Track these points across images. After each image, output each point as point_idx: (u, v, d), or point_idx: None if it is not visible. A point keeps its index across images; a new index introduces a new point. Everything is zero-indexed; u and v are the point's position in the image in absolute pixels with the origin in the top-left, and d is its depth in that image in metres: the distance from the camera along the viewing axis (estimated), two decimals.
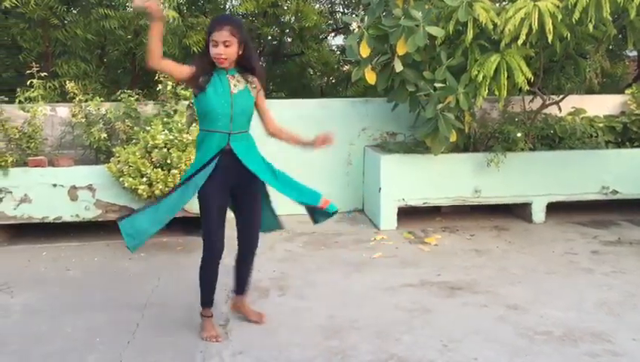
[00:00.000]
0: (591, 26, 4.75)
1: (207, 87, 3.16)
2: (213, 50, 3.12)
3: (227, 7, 8.68)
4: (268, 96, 9.73)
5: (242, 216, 3.48)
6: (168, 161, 4.99)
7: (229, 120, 3.18)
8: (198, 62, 3.22)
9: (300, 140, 3.47)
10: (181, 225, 5.63)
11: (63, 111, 5.81)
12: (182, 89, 5.66)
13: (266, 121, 3.46)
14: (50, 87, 6.27)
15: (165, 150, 5.04)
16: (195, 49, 7.30)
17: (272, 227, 3.72)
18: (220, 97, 3.16)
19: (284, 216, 5.82)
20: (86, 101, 5.58)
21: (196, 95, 3.21)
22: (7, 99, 5.52)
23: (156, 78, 5.71)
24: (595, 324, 3.56)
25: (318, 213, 3.53)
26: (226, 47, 3.10)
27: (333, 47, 10.58)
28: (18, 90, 5.61)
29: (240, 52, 3.18)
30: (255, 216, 3.49)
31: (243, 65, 3.26)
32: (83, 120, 5.53)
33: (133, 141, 5.33)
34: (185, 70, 3.17)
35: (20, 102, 5.48)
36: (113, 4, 7.30)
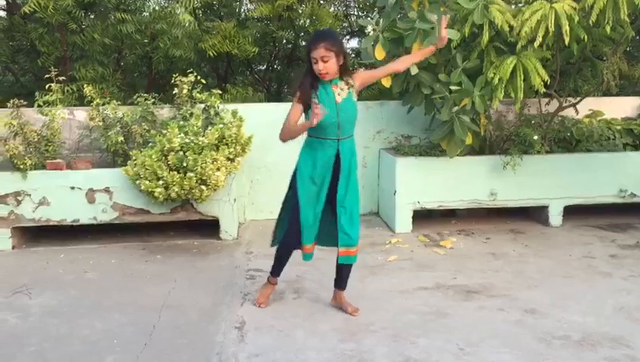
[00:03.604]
0: (608, 28, 4.70)
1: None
2: (315, 68, 3.39)
3: (242, 10, 8.72)
4: (282, 99, 9.73)
5: None
6: (184, 164, 5.02)
7: (337, 128, 3.49)
8: (304, 84, 3.46)
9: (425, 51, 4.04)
10: (196, 228, 5.69)
11: (81, 114, 5.88)
12: (197, 92, 5.70)
13: (389, 72, 3.98)
14: (68, 90, 6.35)
15: (181, 153, 5.08)
16: (210, 53, 7.35)
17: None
18: (327, 108, 3.37)
19: None
20: (103, 105, 5.64)
21: (306, 110, 3.50)
22: (26, 103, 5.59)
23: (172, 81, 5.76)
24: (613, 329, 3.52)
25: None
26: (324, 63, 3.36)
27: (348, 50, 10.58)
28: (37, 94, 5.69)
29: (340, 62, 3.44)
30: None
31: (345, 72, 3.53)
32: (100, 123, 5.59)
33: (150, 144, 5.37)
34: (300, 108, 3.49)
35: (38, 105, 5.56)
36: (130, 8, 7.37)
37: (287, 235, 3.73)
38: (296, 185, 3.61)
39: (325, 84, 3.47)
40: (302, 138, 3.63)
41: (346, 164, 3.57)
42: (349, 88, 3.53)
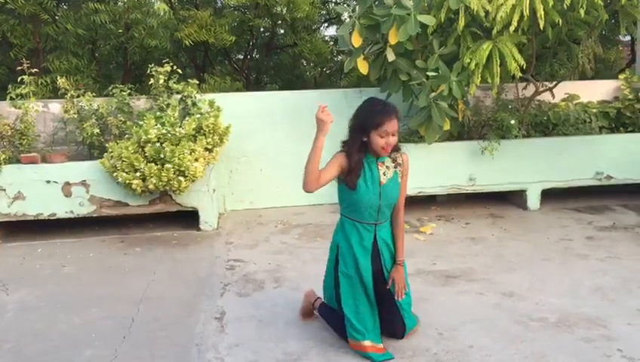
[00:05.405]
0: (582, 12, 4.74)
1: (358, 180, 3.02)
2: (380, 141, 2.96)
3: None
4: (262, 88, 9.64)
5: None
6: (162, 156, 4.98)
7: (377, 212, 3.07)
8: (358, 160, 3.03)
9: (399, 248, 3.22)
10: (176, 219, 5.65)
11: (55, 107, 5.79)
12: (174, 83, 5.64)
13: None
14: (41, 83, 6.25)
15: (158, 144, 5.03)
16: (186, 42, 7.28)
17: None
18: (370, 190, 3.02)
19: (278, 208, 5.84)
20: (78, 97, 5.56)
21: (341, 184, 3.08)
22: None
23: (148, 72, 5.69)
24: (590, 310, 3.57)
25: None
26: (394, 137, 3.00)
27: (326, 38, 10.55)
28: (9, 86, 5.59)
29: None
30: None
31: (395, 149, 3.13)
32: (75, 115, 5.51)
33: (126, 136, 5.31)
34: (335, 170, 3.02)
35: (11, 98, 5.46)
36: None
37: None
38: (338, 266, 3.20)
39: (370, 161, 3.06)
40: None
41: (387, 260, 3.17)
42: (395, 167, 3.14)
